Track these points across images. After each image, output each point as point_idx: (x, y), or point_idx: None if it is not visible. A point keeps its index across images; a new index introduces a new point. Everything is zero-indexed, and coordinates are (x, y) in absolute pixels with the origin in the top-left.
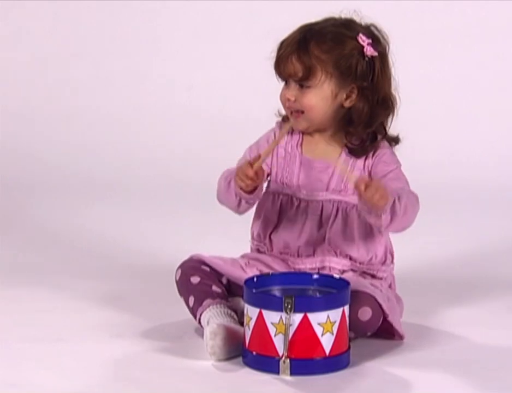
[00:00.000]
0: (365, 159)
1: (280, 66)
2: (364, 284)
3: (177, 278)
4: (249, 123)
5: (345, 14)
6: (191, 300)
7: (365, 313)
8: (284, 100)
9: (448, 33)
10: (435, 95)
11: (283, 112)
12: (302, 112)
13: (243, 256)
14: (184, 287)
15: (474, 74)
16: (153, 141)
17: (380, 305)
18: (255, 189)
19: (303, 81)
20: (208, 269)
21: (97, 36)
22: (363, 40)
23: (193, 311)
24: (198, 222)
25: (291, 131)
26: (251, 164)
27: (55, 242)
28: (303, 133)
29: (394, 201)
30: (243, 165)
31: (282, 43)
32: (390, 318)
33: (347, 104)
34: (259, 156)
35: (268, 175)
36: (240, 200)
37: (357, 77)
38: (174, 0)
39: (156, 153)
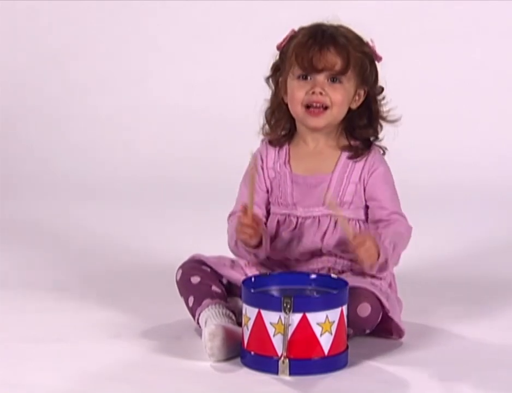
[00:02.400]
0: (361, 171)
1: (314, 56)
2: (364, 281)
3: (178, 278)
4: (248, 123)
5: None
6: (191, 300)
7: (365, 309)
8: (301, 96)
9: (449, 33)
10: (434, 96)
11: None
12: (325, 109)
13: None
14: (184, 287)
15: (473, 74)
16: (153, 141)
17: (380, 301)
18: (260, 240)
19: (339, 75)
20: (208, 269)
21: (97, 36)
22: (373, 44)
23: (192, 311)
24: (198, 222)
25: (278, 149)
26: (244, 211)
27: (54, 242)
28: (289, 149)
29: (386, 261)
30: (238, 218)
31: (304, 34)
32: (391, 314)
33: (353, 106)
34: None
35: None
36: (253, 254)
37: (368, 80)
38: (174, 0)
39: (156, 153)
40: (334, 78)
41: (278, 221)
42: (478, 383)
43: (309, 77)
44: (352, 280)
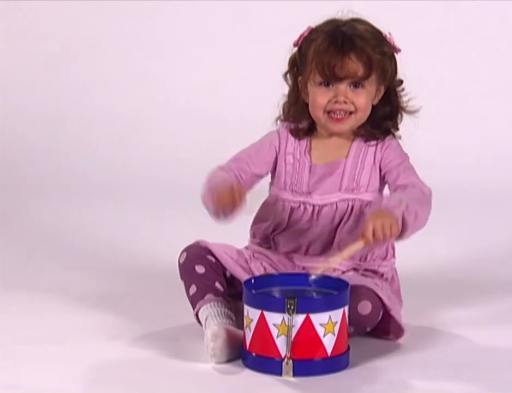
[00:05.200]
0: (375, 152)
1: (336, 66)
2: (366, 280)
3: (181, 261)
4: (247, 124)
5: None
6: (193, 288)
7: (365, 307)
8: (324, 103)
9: (448, 33)
10: (433, 96)
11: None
12: (349, 114)
13: (247, 248)
14: (187, 274)
15: (473, 74)
16: (152, 142)
17: (380, 299)
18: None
19: (362, 80)
20: (213, 259)
21: (97, 36)
22: (391, 36)
23: (193, 301)
24: (197, 223)
25: (298, 137)
26: (233, 194)
27: (53, 243)
28: (310, 139)
29: (403, 216)
30: (224, 196)
31: (323, 39)
32: (393, 312)
33: (374, 102)
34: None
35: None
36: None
37: (388, 77)
38: (174, 0)
39: (155, 154)
40: (356, 84)
41: (292, 209)
42: (478, 385)
43: (330, 84)
44: (354, 280)
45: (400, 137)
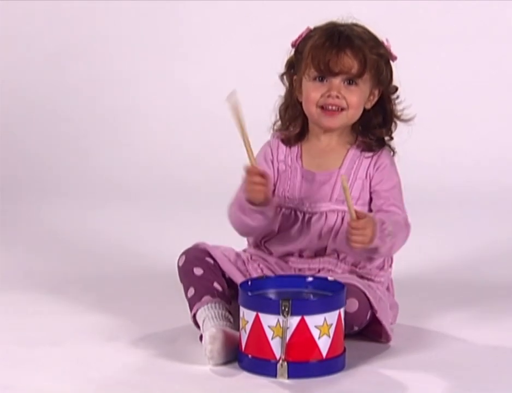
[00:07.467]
0: (368, 167)
1: (331, 60)
2: (355, 279)
3: (180, 264)
4: (247, 124)
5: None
6: (191, 291)
7: (352, 305)
8: (317, 98)
9: (447, 34)
10: (432, 97)
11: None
12: (341, 110)
13: (245, 251)
14: (186, 276)
15: (472, 75)
16: (151, 142)
17: (368, 300)
18: (267, 200)
19: (356, 78)
20: (212, 261)
21: (97, 37)
22: (388, 43)
23: (190, 303)
24: (197, 223)
25: (290, 144)
26: (249, 171)
27: (52, 244)
28: (301, 144)
29: (377, 247)
30: (246, 176)
31: (320, 35)
32: (379, 315)
33: (368, 106)
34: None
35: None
36: (259, 215)
37: (383, 81)
38: (174, 0)
39: (155, 154)
40: (350, 81)
41: (283, 215)
42: (476, 386)
43: (325, 80)
44: (345, 278)
45: (394, 151)
